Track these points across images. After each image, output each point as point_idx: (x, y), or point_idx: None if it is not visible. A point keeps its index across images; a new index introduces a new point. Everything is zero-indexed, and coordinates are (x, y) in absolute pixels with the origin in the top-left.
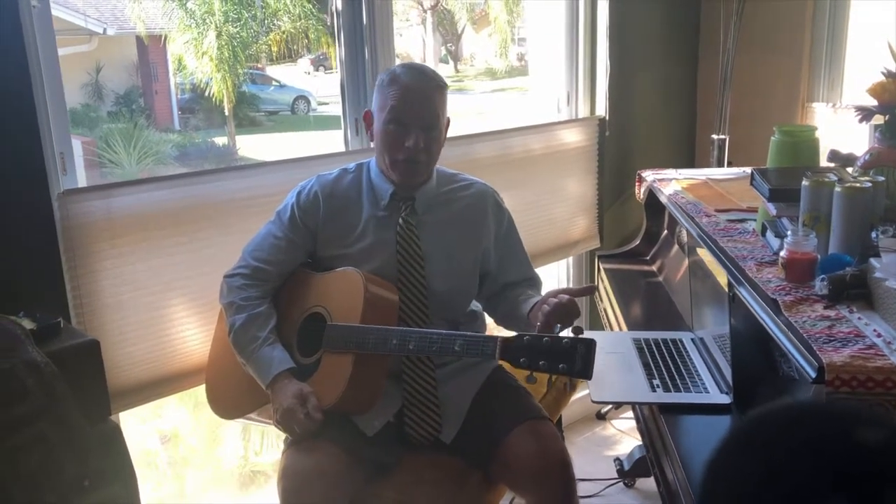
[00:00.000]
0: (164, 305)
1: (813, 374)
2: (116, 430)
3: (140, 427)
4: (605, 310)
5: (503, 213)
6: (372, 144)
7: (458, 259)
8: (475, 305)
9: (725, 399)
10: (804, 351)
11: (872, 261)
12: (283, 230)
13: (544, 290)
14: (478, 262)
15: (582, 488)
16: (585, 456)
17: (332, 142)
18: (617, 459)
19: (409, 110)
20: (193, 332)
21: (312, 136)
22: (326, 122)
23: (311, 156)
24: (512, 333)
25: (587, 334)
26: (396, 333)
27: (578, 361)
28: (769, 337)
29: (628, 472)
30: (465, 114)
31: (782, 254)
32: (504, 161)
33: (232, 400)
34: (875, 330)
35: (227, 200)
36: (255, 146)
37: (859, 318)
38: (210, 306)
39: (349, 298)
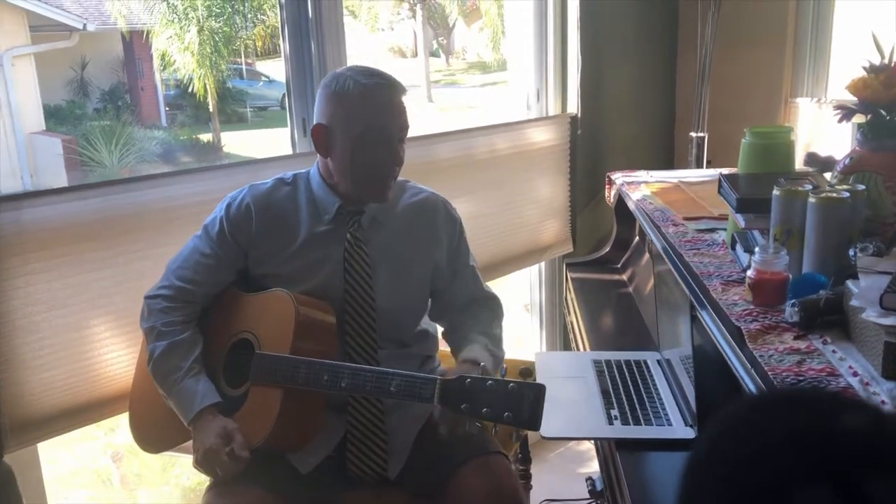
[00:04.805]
0: (85, 326)
1: None
2: (8, 475)
3: (91, 444)
4: (571, 323)
5: (455, 223)
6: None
7: (408, 276)
8: (427, 324)
9: (690, 434)
10: None
11: (849, 283)
12: (210, 246)
13: (516, 300)
14: (428, 278)
15: None
16: (557, 474)
17: None
18: (589, 478)
19: (387, 125)
20: (118, 355)
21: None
22: None
23: (254, 159)
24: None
25: (547, 355)
26: (328, 368)
27: (526, 409)
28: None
29: (601, 492)
30: (456, 108)
31: (749, 273)
32: (468, 162)
33: (156, 432)
34: (851, 367)
35: (158, 209)
36: (241, 142)
37: (833, 352)
38: (138, 325)
39: (279, 324)
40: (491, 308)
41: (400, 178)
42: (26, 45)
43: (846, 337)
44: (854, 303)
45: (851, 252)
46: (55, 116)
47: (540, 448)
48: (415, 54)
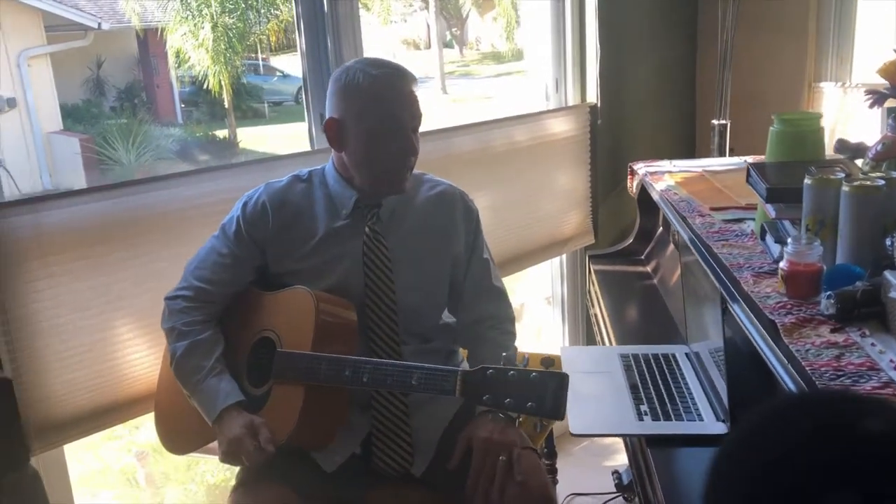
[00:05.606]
0: (108, 327)
1: None
2: (34, 479)
3: (115, 444)
4: (595, 315)
5: (472, 214)
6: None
7: (428, 269)
8: (448, 317)
9: (721, 429)
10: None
11: (887, 274)
12: (227, 246)
13: (537, 293)
14: (447, 270)
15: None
16: (582, 468)
17: None
18: (615, 472)
19: (400, 115)
20: (142, 356)
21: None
22: None
23: (270, 157)
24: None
25: (573, 350)
26: (350, 363)
27: (549, 398)
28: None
29: (627, 486)
30: (471, 99)
31: (782, 265)
32: (487, 155)
33: (181, 433)
34: (892, 360)
35: (176, 209)
36: (256, 138)
37: (873, 345)
38: (160, 326)
39: (300, 321)
40: (499, 318)
41: (417, 171)
42: (42, 46)
43: (885, 329)
44: (893, 294)
45: (888, 241)
46: (72, 116)
47: (565, 442)
48: (428, 46)
